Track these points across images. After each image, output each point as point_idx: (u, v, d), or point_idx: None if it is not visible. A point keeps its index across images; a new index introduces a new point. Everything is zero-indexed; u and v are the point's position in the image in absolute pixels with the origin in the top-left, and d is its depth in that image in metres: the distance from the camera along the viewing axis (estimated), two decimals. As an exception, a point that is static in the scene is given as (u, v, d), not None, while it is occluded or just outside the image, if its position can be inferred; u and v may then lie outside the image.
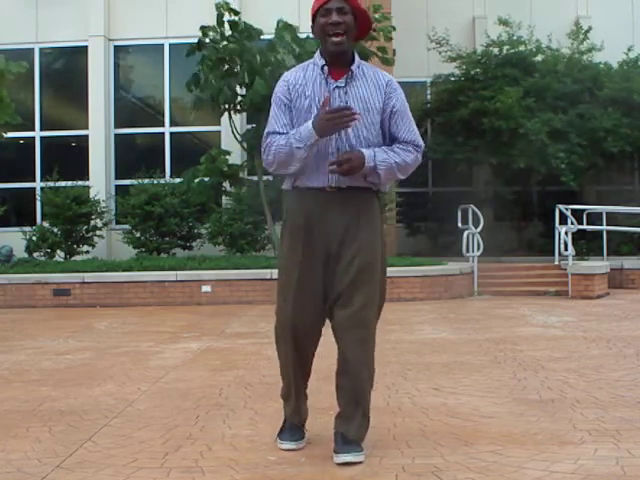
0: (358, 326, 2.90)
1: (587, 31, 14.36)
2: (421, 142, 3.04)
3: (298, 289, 2.97)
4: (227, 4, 10.84)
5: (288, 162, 2.92)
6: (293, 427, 3.17)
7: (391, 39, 10.83)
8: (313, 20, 2.97)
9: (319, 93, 2.94)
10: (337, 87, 2.95)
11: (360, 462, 2.86)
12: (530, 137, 12.50)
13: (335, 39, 2.89)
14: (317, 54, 3.03)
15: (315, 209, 2.95)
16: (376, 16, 10.67)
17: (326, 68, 2.95)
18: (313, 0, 2.97)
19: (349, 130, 2.90)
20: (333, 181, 2.93)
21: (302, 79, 2.97)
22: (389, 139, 3.02)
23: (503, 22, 14.24)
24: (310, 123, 2.85)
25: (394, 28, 10.89)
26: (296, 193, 3.01)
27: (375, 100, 2.96)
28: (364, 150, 2.90)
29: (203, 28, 10.78)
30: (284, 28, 10.32)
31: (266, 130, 3.01)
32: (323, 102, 2.86)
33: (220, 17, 10.83)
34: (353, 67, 2.96)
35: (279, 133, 2.94)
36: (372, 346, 2.98)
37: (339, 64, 2.95)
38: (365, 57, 10.71)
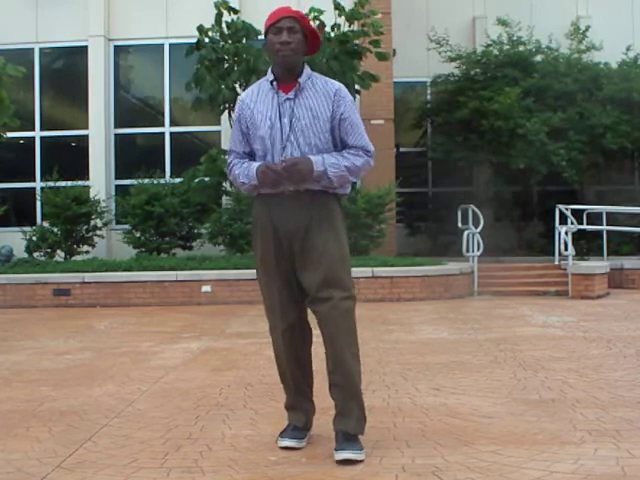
0: (341, 317, 3.01)
1: (585, 30, 14.33)
2: (371, 147, 3.16)
3: (280, 290, 3.11)
4: (226, 3, 10.84)
5: (240, 188, 3.25)
6: (296, 428, 3.21)
7: (382, 33, 10.75)
8: (265, 35, 3.12)
9: (269, 106, 3.12)
10: (287, 99, 3.11)
11: (361, 460, 2.89)
12: (529, 137, 12.50)
13: (283, 53, 3.06)
14: (269, 70, 3.19)
15: (278, 211, 3.10)
16: (363, 11, 10.63)
17: (275, 83, 3.12)
18: (267, 15, 3.11)
19: (300, 138, 3.07)
20: (291, 185, 3.05)
21: (255, 95, 3.17)
22: (340, 145, 3.14)
23: (502, 23, 14.22)
24: (256, 166, 3.08)
25: (382, 24, 10.85)
26: (260, 199, 3.17)
27: (323, 109, 3.09)
28: (311, 156, 3.04)
29: (200, 28, 10.78)
30: None
31: (229, 146, 3.29)
32: (279, 162, 3.02)
33: (219, 16, 10.83)
34: (301, 80, 3.11)
35: (236, 152, 3.23)
36: (356, 338, 3.08)
37: (289, 78, 3.11)
38: (359, 55, 10.70)
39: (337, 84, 3.18)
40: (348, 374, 3.00)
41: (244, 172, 3.13)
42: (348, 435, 2.96)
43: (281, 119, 3.07)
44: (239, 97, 3.27)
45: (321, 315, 3.03)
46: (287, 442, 3.13)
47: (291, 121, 3.07)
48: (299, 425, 3.20)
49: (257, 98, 3.15)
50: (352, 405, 3.01)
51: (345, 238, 3.16)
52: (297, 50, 3.07)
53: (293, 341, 3.14)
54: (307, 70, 3.15)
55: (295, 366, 3.18)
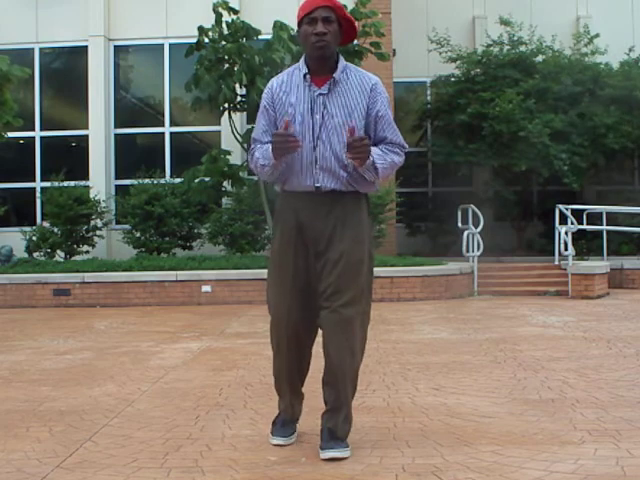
0: (342, 322, 2.93)
1: (593, 37, 14.21)
2: (406, 145, 3.09)
3: (293, 286, 3.01)
4: (226, 3, 10.84)
5: (261, 174, 3.04)
6: (286, 423, 3.22)
7: (383, 34, 10.76)
8: (299, 26, 2.98)
9: (301, 100, 2.96)
10: (320, 94, 2.96)
11: (346, 457, 2.92)
12: (531, 139, 12.48)
13: (318, 44, 2.90)
14: (302, 60, 3.04)
15: (303, 210, 2.99)
16: (364, 11, 10.64)
17: (308, 76, 2.98)
18: (300, 4, 2.98)
19: (332, 137, 2.93)
20: (318, 183, 2.96)
21: (286, 86, 3.01)
22: (374, 141, 3.01)
23: (505, 22, 14.18)
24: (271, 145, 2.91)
25: (383, 24, 10.84)
26: (285, 196, 3.07)
27: (359, 105, 2.97)
28: None
29: (201, 28, 10.78)
30: (280, 28, 10.34)
31: (252, 135, 3.12)
32: (284, 125, 2.87)
33: (219, 16, 10.84)
34: (335, 74, 2.96)
35: (260, 141, 3.03)
36: (357, 341, 2.99)
37: (323, 71, 2.97)
38: (360, 55, 10.71)
39: (374, 78, 3.03)
40: (339, 377, 2.94)
41: (263, 154, 2.94)
42: (335, 435, 2.94)
43: (313, 115, 2.93)
44: (268, 84, 3.08)
45: (322, 317, 2.98)
46: (277, 440, 3.17)
47: (324, 118, 2.93)
48: (287, 418, 3.23)
49: (289, 88, 2.98)
50: (342, 405, 2.97)
51: (371, 241, 3.08)
52: (333, 41, 2.91)
53: (300, 337, 3.06)
54: (342, 62, 3.00)
55: (295, 361, 3.12)
